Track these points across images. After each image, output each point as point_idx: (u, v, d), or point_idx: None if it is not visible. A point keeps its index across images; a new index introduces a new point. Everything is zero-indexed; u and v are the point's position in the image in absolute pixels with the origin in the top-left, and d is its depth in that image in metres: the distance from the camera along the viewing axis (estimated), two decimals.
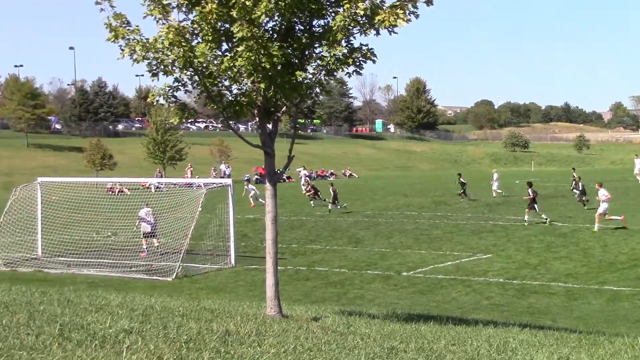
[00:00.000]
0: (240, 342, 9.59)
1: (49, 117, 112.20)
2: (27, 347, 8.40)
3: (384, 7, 12.47)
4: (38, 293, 16.88)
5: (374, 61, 13.04)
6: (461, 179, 53.34)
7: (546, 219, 37.83)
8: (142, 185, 58.63)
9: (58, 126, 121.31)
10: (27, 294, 16.52)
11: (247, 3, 11.98)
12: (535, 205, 38.41)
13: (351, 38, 12.84)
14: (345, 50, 12.82)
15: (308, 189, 51.88)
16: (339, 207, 46.34)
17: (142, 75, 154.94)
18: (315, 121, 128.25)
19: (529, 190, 38.94)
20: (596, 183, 38.16)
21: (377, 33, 12.70)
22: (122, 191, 53.82)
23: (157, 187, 56.92)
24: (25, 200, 32.70)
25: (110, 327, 10.15)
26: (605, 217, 35.44)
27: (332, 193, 47.00)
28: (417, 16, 12.49)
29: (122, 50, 12.82)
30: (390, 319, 15.62)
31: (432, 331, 12.77)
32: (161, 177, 71.18)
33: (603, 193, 36.02)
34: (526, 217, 38.41)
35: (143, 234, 31.63)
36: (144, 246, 31.32)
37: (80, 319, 11.27)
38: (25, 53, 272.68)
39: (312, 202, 50.04)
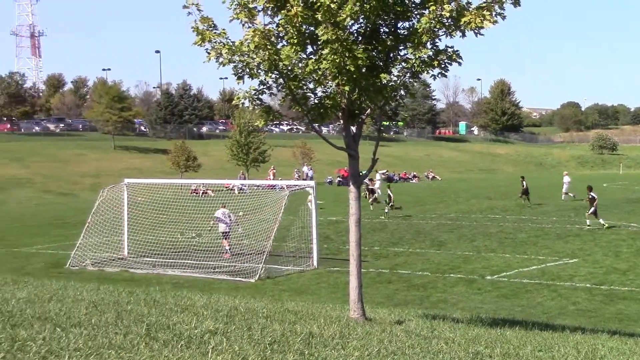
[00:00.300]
0: (324, 344, 9.60)
1: (135, 120, 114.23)
2: (116, 346, 8.55)
3: (470, 9, 12.35)
4: (125, 293, 17.17)
5: (459, 63, 12.92)
6: (524, 182, 52.21)
7: (603, 224, 37.22)
8: (226, 187, 59.21)
9: (144, 129, 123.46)
10: (115, 293, 16.82)
11: (332, 6, 11.98)
12: (593, 209, 37.90)
13: (436, 40, 12.76)
14: (431, 53, 12.73)
15: (366, 193, 51.56)
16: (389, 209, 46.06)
17: (226, 78, 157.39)
18: (399, 123, 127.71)
19: (590, 194, 38.47)
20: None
21: (463, 35, 12.58)
22: (206, 193, 54.43)
23: (241, 189, 57.43)
24: (112, 201, 33.32)
25: (195, 328, 10.25)
26: None
27: (389, 195, 46.93)
28: (503, 17, 12.33)
29: (209, 53, 12.97)
30: (475, 324, 15.44)
31: (518, 336, 12.57)
32: (244, 179, 71.78)
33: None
34: (588, 222, 38.09)
35: (222, 234, 31.95)
36: (226, 247, 31.60)
37: (167, 319, 11.41)
38: (113, 57, 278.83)
39: (371, 206, 49.82)
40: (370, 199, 50.84)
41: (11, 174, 78.62)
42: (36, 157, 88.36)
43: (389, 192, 47.75)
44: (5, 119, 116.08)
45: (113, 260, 30.35)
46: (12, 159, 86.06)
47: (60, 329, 9.52)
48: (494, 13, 12.21)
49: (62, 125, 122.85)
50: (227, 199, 38.81)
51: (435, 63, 12.78)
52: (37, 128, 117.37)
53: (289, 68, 12.96)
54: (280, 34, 12.94)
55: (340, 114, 13.55)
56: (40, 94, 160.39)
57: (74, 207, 57.33)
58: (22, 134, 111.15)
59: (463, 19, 12.22)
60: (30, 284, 18.07)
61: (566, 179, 56.24)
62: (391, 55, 13.18)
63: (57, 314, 11.23)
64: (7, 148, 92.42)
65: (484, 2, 12.40)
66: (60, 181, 78.20)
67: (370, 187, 53.27)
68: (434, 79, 13.26)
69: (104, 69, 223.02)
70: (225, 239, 31.72)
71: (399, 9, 12.66)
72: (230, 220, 31.86)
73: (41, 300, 13.41)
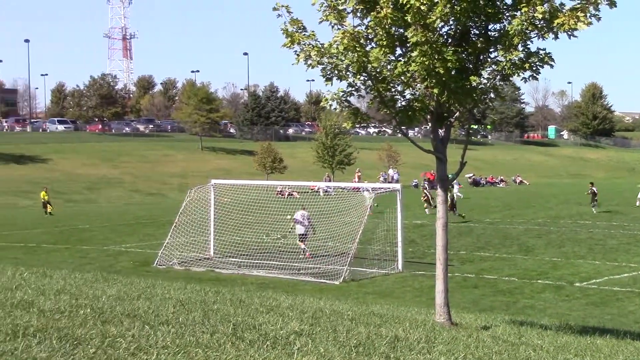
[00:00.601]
0: (409, 348, 9.52)
1: (223, 121, 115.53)
2: (202, 345, 8.62)
3: (564, 10, 12.10)
4: (211, 292, 17.32)
5: (551, 66, 12.68)
6: (593, 188, 50.55)
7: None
8: (311, 189, 59.43)
9: (231, 130, 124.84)
10: (201, 293, 16.98)
11: (422, 8, 11.89)
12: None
13: (528, 42, 12.55)
14: (522, 55, 12.51)
15: (424, 195, 50.52)
16: (456, 214, 44.88)
17: (313, 80, 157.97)
18: (487, 127, 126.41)
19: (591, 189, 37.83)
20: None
21: (556, 37, 12.34)
22: (291, 194, 54.73)
23: (326, 191, 57.56)
24: (198, 202, 33.74)
25: (281, 329, 10.28)
26: None
27: (449, 200, 45.54)
28: (598, 19, 12.05)
29: (298, 55, 13.01)
30: (563, 331, 15.13)
31: (609, 345, 12.27)
32: (329, 181, 71.94)
33: None
34: None
35: (299, 236, 32.08)
36: (303, 247, 31.72)
37: (252, 319, 11.47)
38: (202, 59, 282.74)
39: (427, 209, 48.79)
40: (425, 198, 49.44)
41: (102, 174, 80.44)
42: (126, 158, 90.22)
43: (451, 194, 46.34)
44: (96, 119, 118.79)
45: (199, 260, 30.71)
46: (102, 159, 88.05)
47: (148, 327, 9.65)
48: (588, 14, 11.94)
49: (151, 126, 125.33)
50: (312, 201, 38.95)
51: (527, 65, 12.57)
52: (127, 129, 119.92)
53: (378, 70, 12.92)
54: (369, 36, 12.90)
55: (428, 116, 13.45)
56: (131, 96, 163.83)
57: (162, 207, 58.36)
58: (112, 135, 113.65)
59: (556, 21, 11.98)
60: (120, 282, 18.37)
61: None
62: (481, 57, 13.01)
63: (145, 312, 11.39)
64: (98, 148, 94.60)
65: (578, 3, 12.14)
66: (149, 181, 79.69)
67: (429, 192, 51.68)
68: (525, 81, 13.08)
69: (192, 71, 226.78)
70: (302, 241, 31.82)
71: (490, 10, 12.49)
72: (309, 222, 31.98)
73: (130, 298, 13.61)
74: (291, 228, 32.64)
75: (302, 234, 31.87)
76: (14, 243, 36.13)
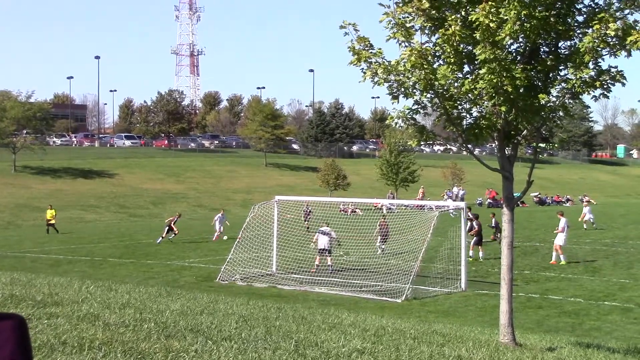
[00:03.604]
0: None
1: (288, 138, 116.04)
2: None
3: (638, 27, 11.88)
4: (274, 308, 17.34)
5: (623, 84, 12.47)
6: None
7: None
8: (374, 206, 59.28)
9: (295, 146, 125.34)
10: (264, 309, 17.01)
11: (492, 25, 11.79)
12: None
13: (599, 60, 12.34)
14: (593, 73, 12.32)
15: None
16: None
17: (378, 97, 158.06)
18: (554, 146, 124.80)
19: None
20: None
21: (629, 54, 12.12)
22: (354, 211, 54.65)
23: (389, 209, 57.38)
24: (262, 218, 33.84)
25: (343, 346, 10.21)
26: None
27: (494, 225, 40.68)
28: None
29: (364, 73, 12.99)
30: (632, 354, 14.81)
31: None
32: (393, 198, 71.68)
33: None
34: None
35: (319, 250, 32.13)
36: (316, 262, 31.88)
37: (315, 336, 11.43)
38: (268, 75, 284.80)
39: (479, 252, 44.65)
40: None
41: (167, 189, 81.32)
42: (191, 173, 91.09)
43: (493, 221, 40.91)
44: (163, 135, 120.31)
45: (262, 275, 30.77)
46: (168, 174, 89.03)
47: (211, 342, 9.67)
48: None
49: (217, 142, 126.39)
50: (376, 218, 38.85)
51: (597, 84, 12.37)
52: (192, 144, 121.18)
53: (445, 88, 12.84)
54: (437, 53, 12.83)
55: (495, 134, 13.31)
56: (197, 112, 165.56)
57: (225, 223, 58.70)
58: (178, 150, 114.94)
59: (629, 38, 11.77)
60: (183, 297, 18.50)
61: None
62: (550, 75, 12.86)
63: (208, 327, 11.42)
64: (164, 164, 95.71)
65: None
66: (214, 197, 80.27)
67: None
68: (595, 100, 12.87)
69: (258, 87, 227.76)
70: (322, 254, 32.03)
71: (560, 28, 12.34)
72: (332, 237, 32.00)
73: (193, 313, 13.69)
74: (314, 242, 32.79)
75: (324, 249, 31.86)
76: (80, 257, 36.68)
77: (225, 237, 32.31)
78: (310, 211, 43.47)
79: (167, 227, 43.22)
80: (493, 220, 39.77)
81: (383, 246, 35.79)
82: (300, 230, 37.79)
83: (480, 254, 35.83)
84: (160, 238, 42.71)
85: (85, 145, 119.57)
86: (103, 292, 16.72)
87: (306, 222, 41.80)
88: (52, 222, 49.96)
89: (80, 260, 35.46)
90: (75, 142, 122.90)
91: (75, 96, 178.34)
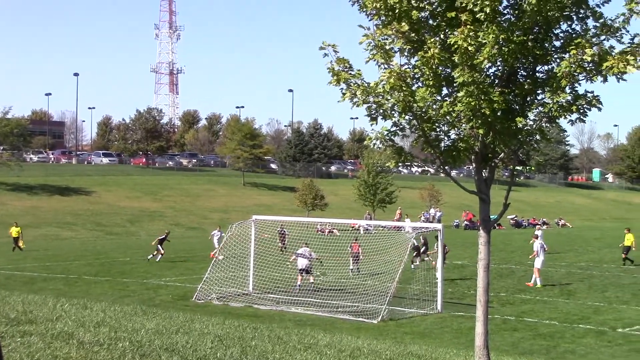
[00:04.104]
0: None
1: (266, 157, 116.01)
2: None
3: (613, 53, 12.01)
4: (250, 328, 17.28)
5: (599, 109, 12.58)
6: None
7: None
8: (352, 227, 59.30)
9: (273, 166, 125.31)
10: (240, 328, 16.94)
11: (470, 48, 11.88)
12: None
13: (576, 84, 12.46)
14: (569, 97, 12.44)
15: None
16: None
17: (357, 117, 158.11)
18: (531, 169, 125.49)
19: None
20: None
21: (605, 80, 12.24)
22: (331, 232, 54.62)
23: (366, 229, 57.35)
24: (239, 237, 33.79)
25: None
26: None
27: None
28: None
29: (343, 94, 13.03)
30: None
31: None
32: (370, 219, 71.74)
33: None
34: None
35: (299, 270, 32.46)
36: (298, 282, 32.09)
37: (290, 356, 11.42)
38: (247, 95, 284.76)
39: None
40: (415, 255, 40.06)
41: (144, 207, 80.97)
42: (168, 191, 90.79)
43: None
44: (141, 153, 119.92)
45: (238, 295, 30.68)
46: (145, 192, 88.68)
47: None
48: (638, 58, 11.83)
49: (195, 160, 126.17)
50: (352, 239, 38.88)
51: (574, 108, 12.49)
52: (170, 163, 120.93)
53: (423, 110, 12.90)
54: (416, 76, 12.91)
55: (473, 157, 13.39)
56: (176, 130, 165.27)
57: (202, 241, 58.52)
58: (156, 168, 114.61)
59: (605, 64, 11.89)
60: (159, 315, 18.41)
61: None
62: (528, 99, 12.97)
63: (183, 347, 11.38)
64: (142, 182, 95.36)
65: (628, 47, 12.05)
66: (191, 215, 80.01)
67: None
68: (572, 124, 12.99)
69: (237, 107, 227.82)
70: (301, 274, 32.28)
71: (538, 52, 12.46)
72: (312, 257, 32.20)
73: (169, 332, 13.62)
74: (291, 262, 32.94)
75: (304, 269, 32.14)
76: (56, 274, 36.43)
77: (220, 257, 32.30)
78: (284, 232, 43.16)
79: (159, 245, 42.80)
80: (421, 237, 39.20)
81: (356, 267, 35.94)
82: (277, 250, 37.69)
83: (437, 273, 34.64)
84: (159, 256, 42.39)
85: (62, 162, 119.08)
86: (78, 310, 16.60)
87: (281, 244, 41.61)
88: (18, 238, 48.91)
89: (55, 277, 35.21)
90: (52, 158, 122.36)
91: (54, 113, 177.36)
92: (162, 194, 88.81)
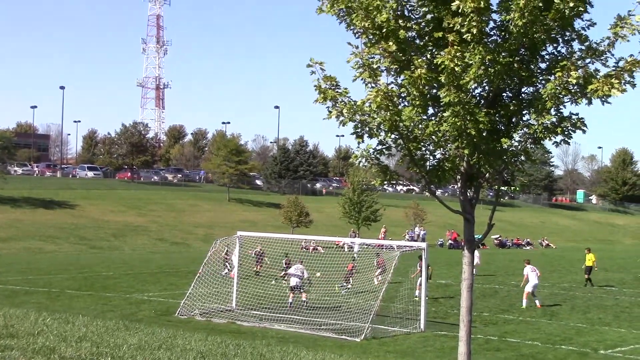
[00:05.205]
0: None
1: (251, 173, 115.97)
2: None
3: (598, 76, 12.11)
4: (232, 345, 17.23)
5: (583, 131, 12.69)
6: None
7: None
8: (336, 244, 59.28)
9: (259, 182, 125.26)
10: (222, 345, 16.90)
11: (457, 69, 11.96)
12: None
13: (561, 107, 12.56)
14: (554, 119, 12.54)
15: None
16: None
17: (343, 135, 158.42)
18: (515, 189, 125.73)
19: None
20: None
21: (589, 102, 12.35)
22: (316, 249, 54.61)
23: (351, 247, 57.37)
24: (223, 253, 33.74)
25: None
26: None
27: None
28: (633, 86, 12.05)
29: (330, 112, 13.08)
30: None
31: None
32: (355, 237, 71.80)
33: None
34: None
35: (290, 288, 32.54)
36: (290, 300, 32.08)
37: None
38: (233, 111, 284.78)
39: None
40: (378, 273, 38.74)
41: (128, 222, 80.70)
42: (153, 206, 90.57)
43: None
44: (126, 167, 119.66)
45: (221, 311, 30.61)
46: (130, 206, 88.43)
47: None
48: (622, 81, 11.94)
49: (180, 175, 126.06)
50: (338, 256, 38.86)
51: (559, 130, 12.59)
52: (155, 177, 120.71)
53: (409, 129, 12.97)
54: (402, 95, 12.97)
55: (458, 177, 13.45)
56: (161, 145, 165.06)
57: (186, 257, 58.40)
58: (141, 183, 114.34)
59: (590, 87, 12.00)
60: (141, 331, 18.34)
61: None
62: (513, 120, 13.06)
63: None
64: (126, 196, 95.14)
65: (613, 70, 12.16)
66: (175, 230, 79.82)
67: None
68: (557, 145, 13.06)
69: (223, 122, 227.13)
70: (292, 291, 32.31)
71: (524, 74, 12.56)
72: (303, 275, 32.22)
73: (151, 348, 13.58)
74: (285, 280, 33.00)
75: (295, 286, 32.28)
76: (38, 288, 36.23)
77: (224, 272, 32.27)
78: (262, 252, 41.06)
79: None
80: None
81: (348, 285, 35.91)
82: (262, 267, 37.59)
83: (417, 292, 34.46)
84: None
85: (47, 175, 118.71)
86: (60, 325, 16.52)
87: (258, 266, 40.23)
88: None
89: (37, 291, 35.00)
90: (37, 171, 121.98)
91: (39, 125, 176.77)
92: (146, 209, 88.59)
